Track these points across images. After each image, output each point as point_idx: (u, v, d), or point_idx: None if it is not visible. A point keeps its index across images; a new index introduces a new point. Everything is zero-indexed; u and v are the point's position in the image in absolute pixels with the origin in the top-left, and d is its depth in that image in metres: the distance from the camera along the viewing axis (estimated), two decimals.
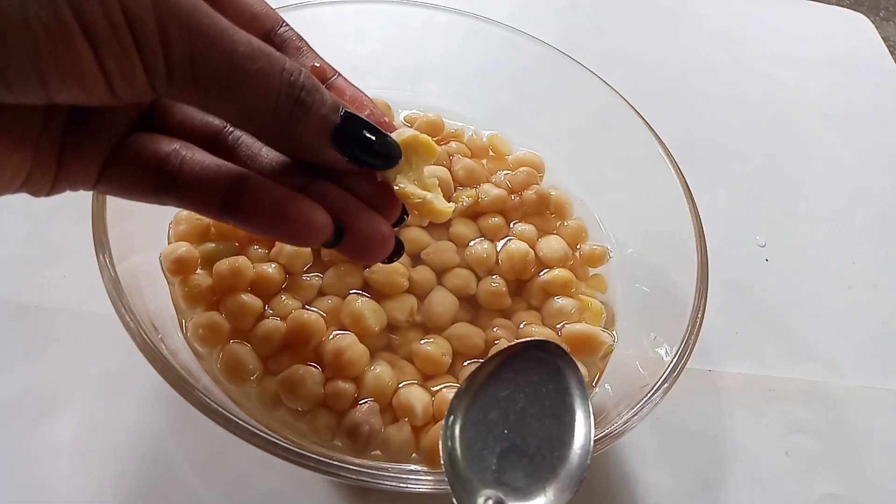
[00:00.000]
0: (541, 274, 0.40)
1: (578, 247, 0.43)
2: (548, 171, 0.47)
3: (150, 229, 0.36)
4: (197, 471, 0.35)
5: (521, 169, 0.44)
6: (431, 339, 0.36)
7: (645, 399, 0.31)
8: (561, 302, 0.39)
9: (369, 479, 0.27)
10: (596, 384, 0.37)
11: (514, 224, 0.43)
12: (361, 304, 0.35)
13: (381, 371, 0.34)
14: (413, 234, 0.40)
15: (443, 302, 0.38)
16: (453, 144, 0.45)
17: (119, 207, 0.31)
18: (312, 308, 0.36)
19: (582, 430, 0.28)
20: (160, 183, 0.23)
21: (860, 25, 0.77)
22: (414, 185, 0.26)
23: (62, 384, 0.37)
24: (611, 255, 0.43)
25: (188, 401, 0.27)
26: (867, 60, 0.73)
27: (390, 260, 0.27)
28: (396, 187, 0.25)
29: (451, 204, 0.28)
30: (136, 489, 0.34)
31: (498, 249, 0.41)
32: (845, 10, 0.81)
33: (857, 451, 0.43)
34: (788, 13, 0.78)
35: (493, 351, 0.36)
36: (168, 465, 0.35)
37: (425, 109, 0.47)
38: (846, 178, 0.61)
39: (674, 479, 0.39)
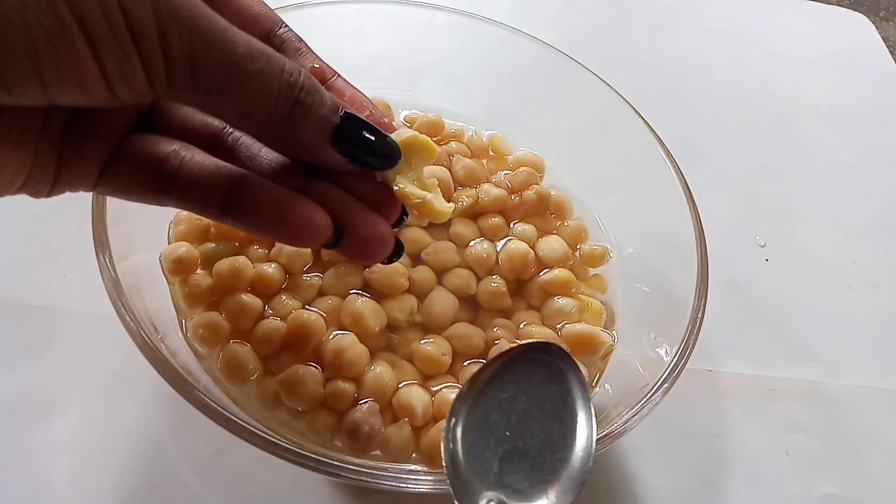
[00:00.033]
0: (541, 274, 0.40)
1: (578, 247, 0.43)
2: (548, 171, 0.47)
3: (150, 229, 0.36)
4: (197, 471, 0.35)
5: (521, 169, 0.44)
6: (431, 339, 0.36)
7: (645, 399, 0.31)
8: (561, 302, 0.39)
9: (369, 479, 0.27)
10: (596, 384, 0.37)
11: (514, 224, 0.43)
12: (361, 304, 0.35)
13: (381, 371, 0.34)
14: (413, 234, 0.40)
15: (443, 302, 0.38)
16: (453, 144, 0.45)
17: (119, 207, 0.31)
18: (312, 308, 0.36)
19: (584, 433, 0.28)
20: (160, 184, 0.23)
21: (860, 25, 0.77)
22: (413, 185, 0.26)
23: (62, 384, 0.37)
24: (611, 255, 0.43)
25: (188, 401, 0.27)
26: (867, 60, 0.74)
27: (390, 260, 0.27)
28: (396, 187, 0.25)
29: (450, 204, 0.28)
30: (136, 489, 0.34)
31: (498, 249, 0.41)
32: (845, 10, 0.81)
33: (857, 451, 0.43)
34: (788, 13, 0.78)
35: (493, 352, 0.36)
36: (168, 465, 0.35)
37: (425, 109, 0.47)
38: (846, 178, 0.61)
39: (674, 479, 0.39)
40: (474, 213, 0.42)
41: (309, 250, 0.38)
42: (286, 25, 0.27)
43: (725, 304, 0.48)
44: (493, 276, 0.39)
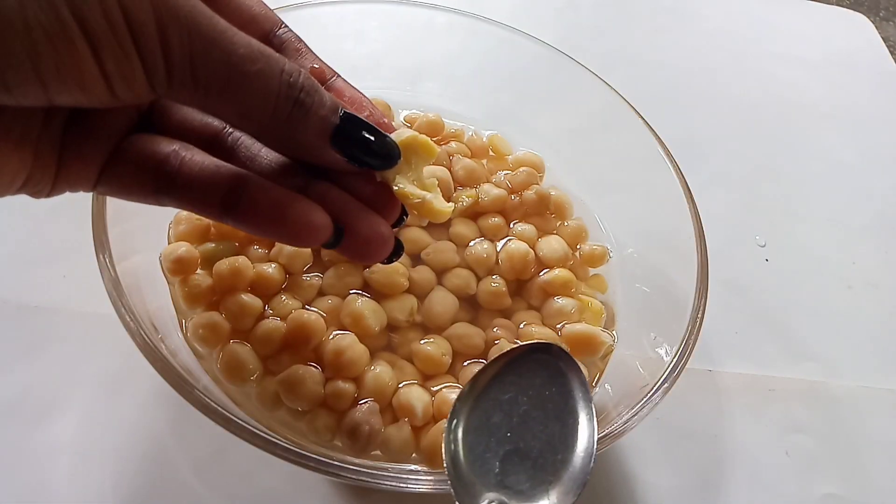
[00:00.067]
0: (541, 274, 0.40)
1: (578, 247, 0.43)
2: (548, 171, 0.47)
3: (150, 229, 0.36)
4: (197, 471, 0.35)
5: (521, 169, 0.44)
6: (431, 339, 0.36)
7: (645, 399, 0.31)
8: (561, 302, 0.39)
9: (369, 479, 0.27)
10: (596, 384, 0.37)
11: (514, 224, 0.43)
12: (361, 304, 0.35)
13: (381, 371, 0.34)
14: (413, 234, 0.40)
15: (443, 302, 0.38)
16: (453, 144, 0.45)
17: (119, 207, 0.31)
18: (312, 308, 0.36)
19: (585, 433, 0.28)
20: (159, 184, 0.23)
21: (860, 25, 0.77)
22: (413, 185, 0.26)
23: (62, 384, 0.37)
24: (611, 255, 0.43)
25: (188, 401, 0.27)
26: (867, 60, 0.74)
27: (390, 260, 0.27)
28: (396, 187, 0.25)
29: (450, 204, 0.28)
30: (136, 489, 0.34)
31: (498, 249, 0.41)
32: (845, 10, 0.81)
33: (857, 451, 0.43)
34: (788, 13, 0.78)
35: (494, 352, 0.36)
36: (168, 465, 0.35)
37: (425, 109, 0.47)
38: (846, 178, 0.61)
39: (674, 479, 0.39)
40: (474, 213, 0.42)
41: (309, 250, 0.38)
42: (286, 26, 0.27)
43: (725, 304, 0.48)
44: (493, 276, 0.39)
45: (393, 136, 0.25)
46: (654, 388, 0.31)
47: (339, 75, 0.28)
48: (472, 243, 0.41)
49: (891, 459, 0.43)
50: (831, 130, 0.64)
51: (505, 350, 0.32)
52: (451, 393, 0.34)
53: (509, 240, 0.41)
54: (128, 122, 0.24)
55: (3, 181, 0.21)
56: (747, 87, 0.67)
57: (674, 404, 0.34)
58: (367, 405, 0.33)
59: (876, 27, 0.77)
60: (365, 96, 0.28)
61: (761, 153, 0.61)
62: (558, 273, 0.40)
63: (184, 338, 0.34)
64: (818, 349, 0.48)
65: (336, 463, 0.27)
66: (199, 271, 0.36)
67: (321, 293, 0.37)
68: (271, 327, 0.34)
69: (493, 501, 0.26)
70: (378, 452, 0.33)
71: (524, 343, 0.33)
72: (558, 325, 0.39)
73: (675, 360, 0.32)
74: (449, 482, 0.26)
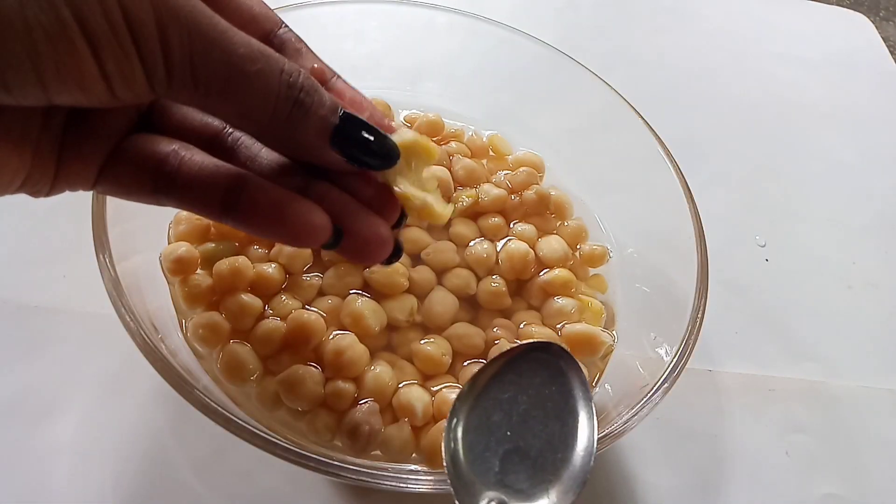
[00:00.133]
0: (541, 274, 0.40)
1: (578, 247, 0.43)
2: (548, 171, 0.47)
3: (150, 229, 0.36)
4: (197, 471, 0.35)
5: (521, 169, 0.44)
6: (431, 339, 0.36)
7: (645, 399, 0.31)
8: (561, 302, 0.39)
9: (369, 479, 0.27)
10: (596, 384, 0.37)
11: (514, 224, 0.43)
12: (361, 304, 0.35)
13: (381, 371, 0.34)
14: (413, 234, 0.40)
15: (443, 302, 0.38)
16: (453, 144, 0.45)
17: (119, 207, 0.31)
18: (312, 308, 0.36)
19: (585, 432, 0.28)
20: (159, 184, 0.23)
21: (860, 25, 0.77)
22: (414, 187, 0.26)
23: (62, 384, 0.37)
24: (611, 255, 0.43)
25: (188, 401, 0.27)
26: (867, 60, 0.74)
27: (389, 262, 0.27)
28: (397, 189, 0.25)
29: (449, 206, 0.28)
30: (136, 489, 0.34)
31: (498, 249, 0.41)
32: (845, 10, 0.81)
33: (857, 451, 0.43)
34: (788, 13, 0.78)
35: (494, 352, 0.36)
36: (168, 465, 0.35)
37: (425, 109, 0.48)
38: (846, 178, 0.61)
39: (674, 479, 0.39)
40: (474, 213, 0.42)
41: (309, 250, 0.38)
42: (286, 26, 0.27)
43: (725, 304, 0.48)
44: (493, 276, 0.39)
45: (394, 137, 0.25)
46: (654, 388, 0.31)
47: (339, 76, 0.28)
48: (472, 243, 0.41)
49: (891, 459, 0.43)
50: (831, 130, 0.64)
51: (505, 349, 0.32)
52: (451, 393, 0.34)
53: (509, 240, 0.41)
54: (127, 122, 0.24)
55: (3, 181, 0.21)
56: (747, 87, 0.67)
57: (674, 404, 0.34)
58: (367, 405, 0.33)
59: (876, 27, 0.77)
60: (365, 98, 0.28)
61: (761, 153, 0.61)
62: (558, 273, 0.40)
63: (184, 338, 0.34)
64: (818, 349, 0.48)
65: (336, 463, 0.27)
66: (199, 271, 0.36)
67: (321, 293, 0.37)
68: (271, 327, 0.34)
69: (492, 500, 0.26)
70: (378, 452, 0.33)
71: (524, 342, 0.33)
72: (558, 325, 0.39)
73: (675, 360, 0.32)
74: (449, 481, 0.26)
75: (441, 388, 0.35)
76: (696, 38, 0.71)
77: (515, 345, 0.32)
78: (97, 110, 0.23)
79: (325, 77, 0.27)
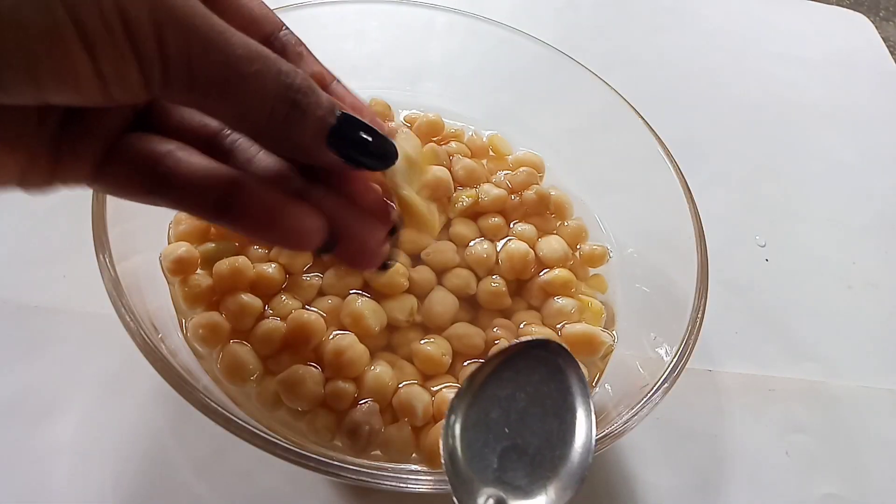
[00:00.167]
0: (541, 274, 0.40)
1: (578, 247, 0.43)
2: (548, 171, 0.47)
3: (150, 229, 0.36)
4: (197, 470, 0.35)
5: (521, 169, 0.44)
6: (431, 339, 0.36)
7: (645, 399, 0.31)
8: (561, 302, 0.39)
9: (369, 479, 0.27)
10: (596, 384, 0.37)
11: (514, 224, 0.43)
12: (361, 304, 0.35)
13: (381, 371, 0.34)
14: (413, 235, 0.40)
15: (443, 302, 0.38)
16: (453, 144, 0.45)
17: (119, 207, 0.31)
18: (312, 308, 0.36)
19: (583, 429, 0.28)
20: (154, 184, 0.23)
21: (860, 25, 0.77)
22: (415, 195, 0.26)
23: (62, 384, 0.37)
24: (611, 255, 0.43)
25: (188, 401, 0.27)
26: (867, 60, 0.74)
27: (384, 268, 0.27)
28: (402, 192, 0.26)
29: (441, 219, 0.28)
30: (136, 489, 0.34)
31: (498, 249, 0.41)
32: (845, 10, 0.81)
33: (857, 451, 0.43)
34: (788, 13, 0.78)
35: (493, 350, 0.36)
36: (168, 465, 0.35)
37: (425, 109, 0.47)
38: (846, 178, 0.61)
39: (674, 479, 0.39)
40: (474, 213, 0.42)
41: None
42: (287, 28, 0.27)
43: (725, 304, 0.48)
44: (493, 276, 0.39)
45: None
46: (654, 388, 0.31)
47: (338, 80, 0.28)
48: (472, 243, 0.41)
49: (891, 459, 0.43)
50: (831, 130, 0.64)
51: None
52: (450, 393, 0.34)
53: (509, 240, 0.41)
54: (124, 121, 0.24)
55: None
56: (747, 87, 0.67)
57: (674, 404, 0.34)
58: (367, 405, 0.33)
59: (876, 27, 0.77)
60: (365, 104, 0.28)
61: (761, 153, 0.61)
62: (558, 273, 0.40)
63: (184, 338, 0.34)
64: (818, 349, 0.48)
65: (336, 463, 0.27)
66: (199, 271, 0.36)
67: (321, 293, 0.37)
68: (271, 327, 0.34)
69: (491, 497, 0.26)
70: (378, 452, 0.33)
71: (522, 340, 0.33)
72: (558, 325, 0.39)
73: (675, 360, 0.32)
74: (447, 478, 0.26)
75: (441, 388, 0.35)
76: (696, 38, 0.71)
77: (514, 342, 0.32)
78: (93, 109, 0.23)
79: (325, 81, 0.27)
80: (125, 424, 0.36)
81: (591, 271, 0.43)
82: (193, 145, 0.24)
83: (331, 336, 0.35)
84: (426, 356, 0.35)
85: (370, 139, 0.24)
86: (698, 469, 0.40)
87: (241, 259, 0.36)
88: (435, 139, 0.46)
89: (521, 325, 0.38)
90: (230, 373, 0.33)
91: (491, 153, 0.47)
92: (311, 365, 0.34)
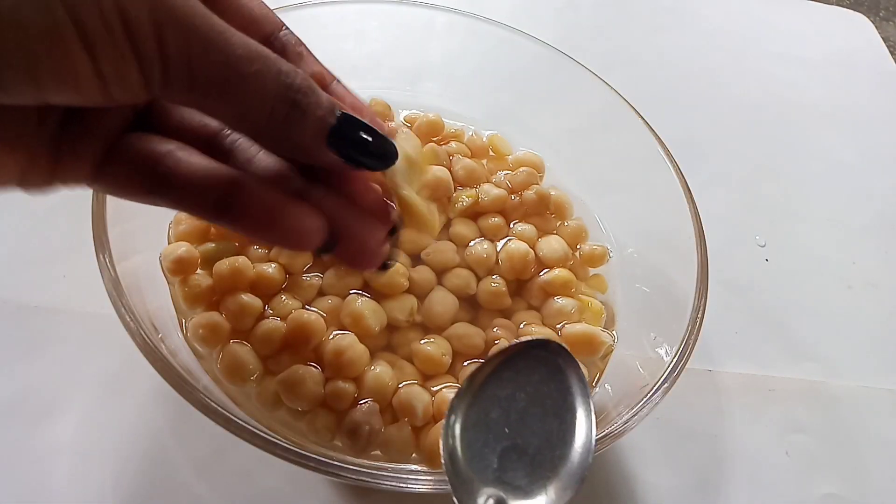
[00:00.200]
0: (541, 274, 0.40)
1: (578, 247, 0.43)
2: (548, 171, 0.47)
3: (150, 229, 0.36)
4: (197, 470, 0.35)
5: (521, 169, 0.44)
6: (431, 339, 0.36)
7: (645, 399, 0.31)
8: (561, 302, 0.39)
9: (369, 479, 0.27)
10: (596, 384, 0.37)
11: (514, 224, 0.43)
12: (361, 304, 0.35)
13: (381, 371, 0.34)
14: (413, 234, 0.40)
15: (443, 302, 0.38)
16: (453, 144, 0.45)
17: (119, 207, 0.31)
18: (312, 308, 0.36)
19: (583, 429, 0.28)
20: (154, 184, 0.23)
21: (860, 25, 0.77)
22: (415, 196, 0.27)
23: (62, 384, 0.37)
24: (611, 255, 0.43)
25: (188, 401, 0.27)
26: (867, 60, 0.74)
27: (384, 268, 0.27)
28: (403, 193, 0.26)
29: (441, 219, 0.28)
30: (136, 489, 0.34)
31: (498, 249, 0.41)
32: (845, 10, 0.81)
33: (857, 451, 0.43)
34: (788, 13, 0.78)
35: (493, 350, 0.36)
36: (168, 465, 0.35)
37: (425, 109, 0.47)
38: (846, 178, 0.61)
39: (674, 479, 0.39)
40: (474, 213, 0.42)
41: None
42: (287, 28, 0.27)
43: (725, 304, 0.48)
44: (493, 276, 0.39)
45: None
46: (654, 388, 0.31)
47: (339, 81, 0.28)
48: (472, 243, 0.41)
49: (891, 459, 0.43)
50: (831, 130, 0.64)
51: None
52: (450, 393, 0.34)
53: (509, 240, 0.41)
54: (124, 121, 0.24)
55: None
56: (747, 87, 0.67)
57: (674, 404, 0.34)
58: (367, 405, 0.33)
59: (876, 27, 0.77)
60: (366, 105, 0.28)
61: (761, 153, 0.61)
62: (558, 273, 0.40)
63: (184, 338, 0.34)
64: (818, 349, 0.48)
65: (336, 463, 0.27)
66: (199, 271, 0.36)
67: (321, 293, 0.37)
68: (271, 327, 0.34)
69: (491, 497, 0.26)
70: (378, 452, 0.33)
71: (522, 340, 0.33)
72: (558, 325, 0.39)
73: (675, 360, 0.32)
74: (446, 478, 0.26)
75: (441, 388, 0.35)
76: (696, 38, 0.71)
77: (514, 342, 0.32)
78: (93, 109, 0.23)
79: (325, 82, 0.27)
80: (125, 424, 0.36)
81: (591, 271, 0.43)
82: (193, 145, 0.24)
83: (331, 336, 0.35)
84: (426, 356, 0.35)
85: (370, 139, 0.24)
86: (698, 469, 0.40)
87: (241, 259, 0.36)
88: (435, 139, 0.46)
89: (521, 325, 0.38)
90: (230, 373, 0.33)
91: (491, 153, 0.47)
92: (311, 365, 0.34)
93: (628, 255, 0.43)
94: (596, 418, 0.29)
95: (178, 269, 0.35)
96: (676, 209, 0.39)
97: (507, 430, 0.28)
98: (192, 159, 0.23)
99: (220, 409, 0.27)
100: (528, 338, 0.36)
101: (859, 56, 0.74)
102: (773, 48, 0.72)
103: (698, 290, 0.35)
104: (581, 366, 0.30)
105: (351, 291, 0.37)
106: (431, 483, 0.28)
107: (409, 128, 0.46)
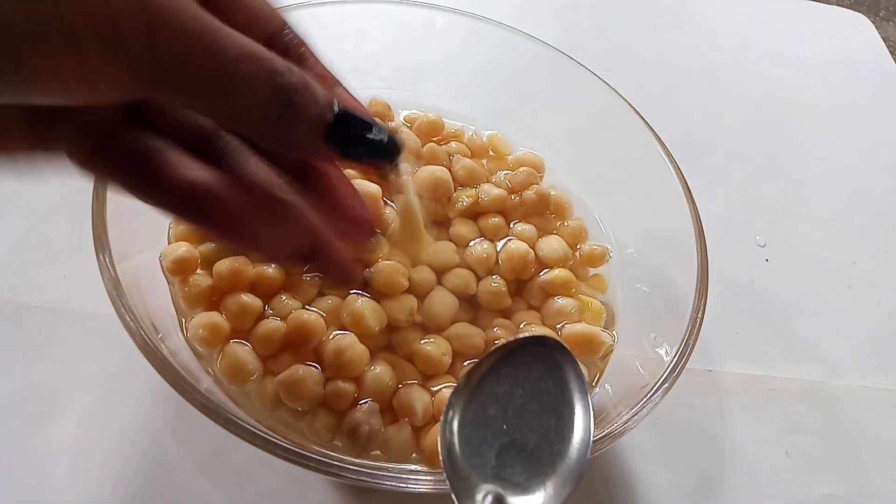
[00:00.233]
0: (541, 274, 0.40)
1: (578, 247, 0.43)
2: (548, 171, 0.47)
3: (150, 229, 0.36)
4: (197, 470, 0.35)
5: (521, 169, 0.44)
6: (431, 339, 0.36)
7: (645, 399, 0.31)
8: (561, 302, 0.39)
9: (369, 479, 0.27)
10: (596, 384, 0.37)
11: (514, 224, 0.43)
12: (361, 304, 0.35)
13: (381, 371, 0.34)
14: (401, 247, 0.40)
15: (443, 302, 0.37)
16: (453, 144, 0.45)
17: (119, 207, 0.31)
18: (312, 308, 0.36)
19: (581, 425, 0.28)
20: (138, 181, 0.23)
21: (860, 25, 0.77)
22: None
23: (62, 384, 0.37)
24: (611, 255, 0.43)
25: (188, 401, 0.27)
26: (867, 60, 0.74)
27: (356, 285, 0.27)
28: (407, 198, 0.26)
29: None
30: (136, 489, 0.34)
31: (498, 249, 0.41)
32: (845, 10, 0.81)
33: (857, 451, 0.43)
34: (788, 13, 0.78)
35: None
36: (168, 465, 0.35)
37: (425, 109, 0.47)
38: (846, 178, 0.61)
39: (674, 479, 0.39)
40: (474, 213, 0.42)
41: None
42: (291, 28, 0.27)
43: (725, 304, 0.48)
44: (493, 276, 0.39)
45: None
46: (654, 388, 0.31)
47: (342, 85, 0.28)
48: (472, 243, 0.41)
49: (891, 459, 0.43)
50: (831, 130, 0.64)
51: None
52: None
53: (509, 240, 0.41)
54: (115, 115, 0.24)
55: None
56: (747, 87, 0.67)
57: (674, 404, 0.34)
58: (367, 405, 0.33)
59: (876, 27, 0.77)
60: (365, 109, 0.28)
61: (761, 153, 0.61)
62: (558, 273, 0.40)
63: (184, 338, 0.34)
64: (818, 349, 0.48)
65: (336, 463, 0.27)
66: (199, 271, 0.36)
67: (321, 293, 0.37)
68: (271, 327, 0.34)
69: (489, 493, 0.26)
70: (378, 452, 0.33)
71: (520, 336, 0.33)
72: (558, 325, 0.39)
73: (675, 360, 0.32)
74: (444, 474, 0.26)
75: (441, 388, 0.35)
76: (696, 38, 0.71)
77: (511, 339, 0.32)
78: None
79: (327, 85, 0.27)
80: (125, 424, 0.36)
81: (591, 271, 0.43)
82: (186, 143, 0.24)
83: (331, 336, 0.35)
84: (426, 356, 0.35)
85: (369, 135, 0.24)
86: (698, 469, 0.40)
87: (241, 259, 0.36)
88: (435, 139, 0.46)
89: (521, 325, 0.38)
90: (230, 373, 0.33)
91: (491, 153, 0.47)
92: (311, 365, 0.34)
93: (628, 255, 0.43)
94: (596, 418, 0.29)
95: (178, 269, 0.35)
96: (676, 209, 0.39)
97: (505, 427, 0.28)
98: (178, 160, 0.23)
99: (220, 409, 0.27)
100: (526, 334, 0.36)
101: (859, 56, 0.74)
102: (773, 48, 0.72)
103: (698, 290, 0.35)
104: (579, 362, 0.30)
105: (351, 291, 0.37)
106: (431, 483, 0.28)
107: (409, 128, 0.46)
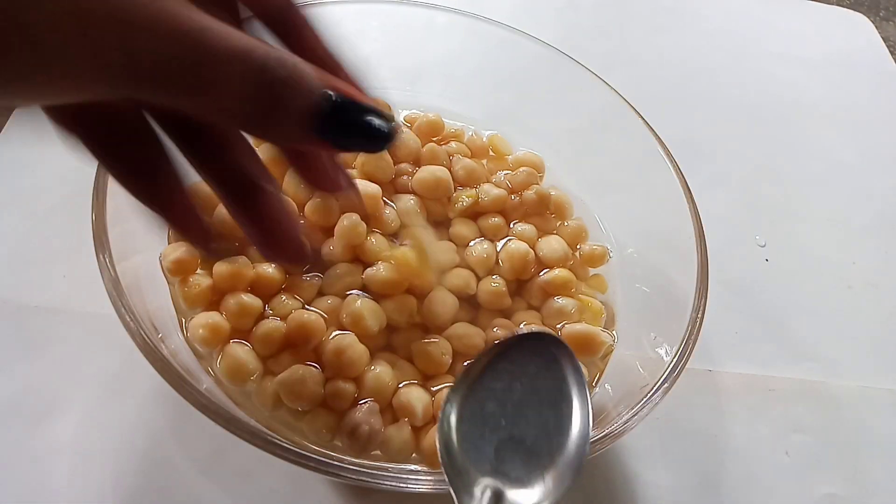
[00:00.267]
0: (541, 274, 0.40)
1: (578, 247, 0.43)
2: (548, 171, 0.47)
3: (150, 229, 0.36)
4: (197, 471, 0.35)
5: (521, 169, 0.44)
6: (431, 339, 0.36)
7: (645, 399, 0.31)
8: (561, 302, 0.39)
9: (369, 479, 0.27)
10: (596, 384, 0.37)
11: (514, 224, 0.43)
12: (361, 304, 0.35)
13: (381, 371, 0.34)
14: (413, 235, 0.40)
15: (443, 302, 0.37)
16: (453, 144, 0.45)
17: (119, 207, 0.31)
18: (312, 308, 0.36)
19: (579, 419, 0.28)
20: (106, 160, 0.23)
21: (860, 25, 0.77)
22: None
23: (62, 384, 0.37)
24: (611, 255, 0.43)
25: (188, 401, 0.27)
26: (867, 60, 0.73)
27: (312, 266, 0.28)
28: (415, 230, 0.26)
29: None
30: (136, 489, 0.34)
31: (498, 249, 0.41)
32: (845, 10, 0.81)
33: (857, 451, 0.43)
34: (788, 13, 0.78)
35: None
36: (168, 465, 0.35)
37: (425, 109, 0.47)
38: (846, 178, 0.61)
39: (674, 479, 0.39)
40: (474, 213, 0.42)
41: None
42: (296, 8, 0.26)
43: (725, 304, 0.48)
44: (493, 276, 0.39)
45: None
46: (654, 388, 0.31)
47: (344, 67, 0.28)
48: (472, 243, 0.41)
49: (891, 459, 0.43)
50: (831, 130, 0.64)
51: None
52: None
53: (509, 240, 0.41)
54: (126, 108, 0.23)
55: None
56: (747, 88, 0.67)
57: (674, 404, 0.34)
58: (367, 405, 0.33)
59: (876, 27, 0.77)
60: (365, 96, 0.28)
61: (761, 153, 0.61)
62: (558, 273, 0.40)
63: (184, 338, 0.34)
64: (818, 349, 0.48)
65: (336, 463, 0.27)
66: (199, 271, 0.36)
67: (321, 293, 0.37)
68: (271, 327, 0.34)
69: (488, 487, 0.26)
70: (378, 452, 0.33)
71: (517, 332, 0.33)
72: (558, 325, 0.39)
73: (675, 360, 0.32)
74: (442, 470, 0.26)
75: (441, 388, 0.35)
76: (696, 38, 0.71)
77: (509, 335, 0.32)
78: None
79: (327, 70, 0.26)
80: (125, 424, 0.36)
81: (591, 271, 0.43)
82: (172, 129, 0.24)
83: (331, 336, 0.35)
84: (426, 356, 0.35)
85: (359, 125, 0.23)
86: (698, 469, 0.40)
87: (241, 259, 0.36)
88: (435, 139, 0.46)
89: (522, 325, 0.38)
90: (230, 373, 0.33)
91: (491, 153, 0.47)
92: (311, 365, 0.34)
93: (628, 255, 0.43)
94: (596, 418, 0.29)
95: (178, 269, 0.35)
96: (676, 209, 0.39)
97: (503, 422, 0.28)
98: (147, 143, 0.23)
99: (220, 408, 0.27)
100: (524, 330, 0.36)
101: (859, 56, 0.74)
102: (773, 48, 0.72)
103: (698, 290, 0.35)
104: (582, 368, 0.30)
105: (351, 291, 0.37)
106: (431, 483, 0.28)
107: (409, 128, 0.46)
